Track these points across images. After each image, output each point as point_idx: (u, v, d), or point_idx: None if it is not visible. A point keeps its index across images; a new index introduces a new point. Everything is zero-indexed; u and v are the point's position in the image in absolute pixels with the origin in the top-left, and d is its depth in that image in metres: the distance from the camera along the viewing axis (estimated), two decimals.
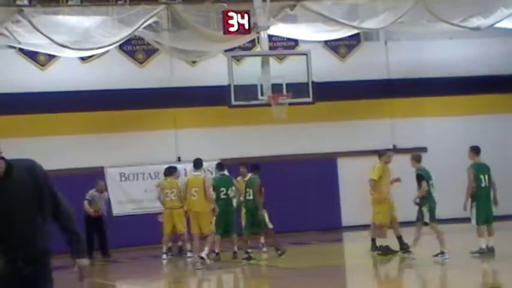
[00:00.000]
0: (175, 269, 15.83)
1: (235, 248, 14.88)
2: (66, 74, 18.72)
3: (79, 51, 16.86)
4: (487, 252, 13.23)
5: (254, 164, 15.66)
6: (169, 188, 15.98)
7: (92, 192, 17.19)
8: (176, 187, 15.88)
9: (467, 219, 13.67)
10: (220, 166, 15.57)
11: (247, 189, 15.00)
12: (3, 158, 4.69)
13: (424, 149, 20.05)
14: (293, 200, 19.17)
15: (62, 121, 18.71)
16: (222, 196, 14.82)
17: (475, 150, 13.74)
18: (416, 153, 14.12)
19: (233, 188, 14.94)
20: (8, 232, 4.69)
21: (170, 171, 16.13)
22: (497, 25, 18.19)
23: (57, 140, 18.53)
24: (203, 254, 14.12)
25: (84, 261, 4.87)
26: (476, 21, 17.97)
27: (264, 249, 15.74)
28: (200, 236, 14.62)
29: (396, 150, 17.64)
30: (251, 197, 14.95)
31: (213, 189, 14.70)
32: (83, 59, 18.56)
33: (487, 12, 17.94)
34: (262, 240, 15.76)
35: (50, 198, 4.79)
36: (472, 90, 20.90)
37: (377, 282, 12.93)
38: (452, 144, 20.09)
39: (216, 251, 14.88)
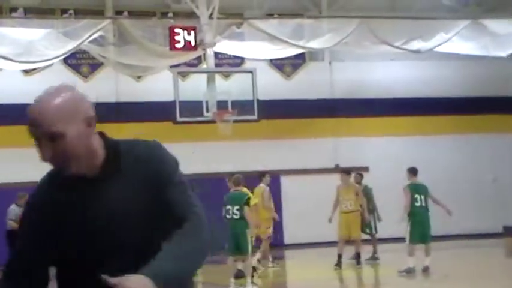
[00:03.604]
0: None
1: None
2: (8, 87, 18.42)
3: (22, 64, 16.64)
4: (417, 272, 13.38)
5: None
6: None
7: (14, 207, 15.12)
8: None
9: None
10: None
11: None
12: (103, 136, 2.60)
13: (366, 169, 20.35)
14: None
15: (3, 134, 18.38)
16: None
17: (413, 171, 14.10)
18: (236, 176, 12.95)
19: None
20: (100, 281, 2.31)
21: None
22: (437, 49, 18.70)
23: None
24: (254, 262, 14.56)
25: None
26: (417, 44, 18.45)
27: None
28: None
29: (339, 169, 17.85)
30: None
31: None
32: (25, 71, 18.32)
33: (427, 36, 18.45)
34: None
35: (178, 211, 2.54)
36: (412, 111, 21.34)
37: None
38: (393, 164, 20.43)
39: None
